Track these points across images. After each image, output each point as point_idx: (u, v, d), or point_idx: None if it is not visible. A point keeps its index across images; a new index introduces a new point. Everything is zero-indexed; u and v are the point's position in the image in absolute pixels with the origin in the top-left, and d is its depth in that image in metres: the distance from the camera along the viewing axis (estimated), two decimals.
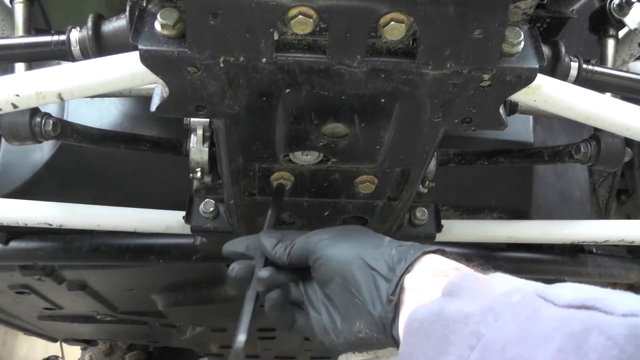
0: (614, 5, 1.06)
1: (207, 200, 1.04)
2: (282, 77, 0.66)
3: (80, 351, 3.15)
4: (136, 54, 0.63)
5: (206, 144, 0.99)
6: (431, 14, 0.58)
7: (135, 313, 1.97)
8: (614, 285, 1.54)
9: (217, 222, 1.05)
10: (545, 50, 0.89)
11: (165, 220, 1.14)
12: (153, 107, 0.73)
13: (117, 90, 0.96)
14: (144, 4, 0.64)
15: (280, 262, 0.80)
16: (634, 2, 1.06)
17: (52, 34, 0.83)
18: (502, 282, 0.62)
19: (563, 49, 0.90)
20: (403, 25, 0.59)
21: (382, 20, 0.59)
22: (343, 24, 0.59)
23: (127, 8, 0.75)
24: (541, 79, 0.78)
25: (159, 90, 0.73)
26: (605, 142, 1.01)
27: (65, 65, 0.78)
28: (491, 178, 1.32)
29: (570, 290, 0.52)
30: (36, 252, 1.29)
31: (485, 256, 1.34)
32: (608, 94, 0.98)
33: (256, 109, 0.72)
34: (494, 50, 0.62)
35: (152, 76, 0.66)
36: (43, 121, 0.90)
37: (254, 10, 0.57)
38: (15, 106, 0.78)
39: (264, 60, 0.62)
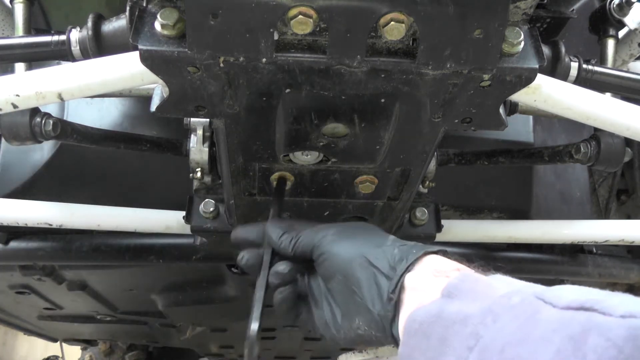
0: (614, 5, 1.06)
1: (207, 200, 1.04)
2: (282, 77, 0.66)
3: (80, 351, 3.15)
4: (136, 54, 0.63)
5: (206, 144, 0.99)
6: (431, 14, 0.58)
7: (135, 313, 1.97)
8: (614, 286, 1.54)
9: (217, 222, 1.05)
10: (545, 50, 0.89)
11: (165, 220, 1.14)
12: (153, 107, 0.73)
13: (117, 90, 0.97)
14: (144, 4, 0.64)
15: (285, 253, 0.80)
16: (634, 2, 1.06)
17: (52, 34, 0.83)
18: (501, 284, 0.62)
19: (563, 49, 0.90)
20: (403, 25, 0.59)
21: (382, 20, 0.59)
22: (343, 24, 0.59)
23: (127, 8, 0.75)
24: (541, 79, 0.78)
25: (159, 90, 0.73)
26: (605, 142, 1.01)
27: (65, 65, 0.78)
28: (491, 178, 1.32)
29: (569, 292, 0.53)
30: (36, 252, 1.29)
31: (485, 256, 1.34)
32: (608, 94, 0.98)
33: (256, 109, 0.72)
34: (494, 50, 0.62)
35: (152, 76, 0.66)
36: (43, 121, 0.90)
37: (254, 10, 0.57)
38: (15, 106, 0.78)
39: (264, 60, 0.62)
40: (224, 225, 1.05)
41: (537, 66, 0.66)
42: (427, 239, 1.09)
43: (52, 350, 3.93)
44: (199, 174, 1.01)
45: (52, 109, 1.10)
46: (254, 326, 0.72)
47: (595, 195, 1.61)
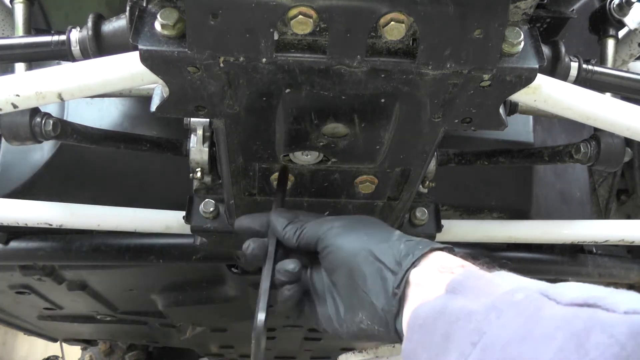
0: (614, 5, 1.06)
1: (207, 200, 1.04)
2: (282, 77, 0.66)
3: (80, 351, 3.16)
4: (136, 54, 0.63)
5: (206, 144, 0.99)
6: (431, 14, 0.58)
7: (135, 313, 1.97)
8: (614, 286, 1.54)
9: (217, 222, 1.05)
10: (545, 50, 0.89)
11: (165, 220, 1.14)
12: (153, 107, 0.73)
13: (117, 90, 0.97)
14: (144, 4, 0.64)
15: (289, 244, 0.80)
16: (633, 2, 1.06)
17: (52, 34, 0.83)
18: (505, 281, 0.62)
19: (563, 49, 0.90)
20: (403, 25, 0.59)
21: (382, 20, 0.59)
22: (343, 24, 0.59)
23: (127, 8, 0.75)
24: (541, 79, 0.78)
25: (159, 90, 0.73)
26: (605, 142, 1.01)
27: (65, 65, 0.78)
28: (491, 178, 1.32)
29: (573, 289, 0.53)
30: (36, 252, 1.29)
31: (485, 256, 1.34)
32: (608, 94, 0.98)
33: (256, 109, 0.72)
34: (494, 50, 0.62)
35: (152, 76, 0.66)
36: (43, 121, 0.90)
37: (254, 10, 0.57)
38: (15, 106, 0.78)
39: (264, 60, 0.62)
40: (224, 225, 1.05)
41: (537, 66, 0.66)
42: (427, 239, 1.09)
43: (52, 350, 3.93)
44: (199, 174, 1.01)
45: (52, 109, 1.10)
46: (261, 316, 0.72)
47: (595, 195, 1.61)
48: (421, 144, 0.80)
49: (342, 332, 0.77)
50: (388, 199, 0.95)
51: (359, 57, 0.62)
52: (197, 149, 0.99)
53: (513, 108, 1.04)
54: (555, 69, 0.90)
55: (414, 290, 0.68)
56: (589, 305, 0.49)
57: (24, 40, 0.86)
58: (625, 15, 1.07)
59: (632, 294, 0.50)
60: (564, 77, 0.90)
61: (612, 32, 1.08)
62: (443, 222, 1.10)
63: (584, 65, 0.91)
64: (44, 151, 1.21)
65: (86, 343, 2.93)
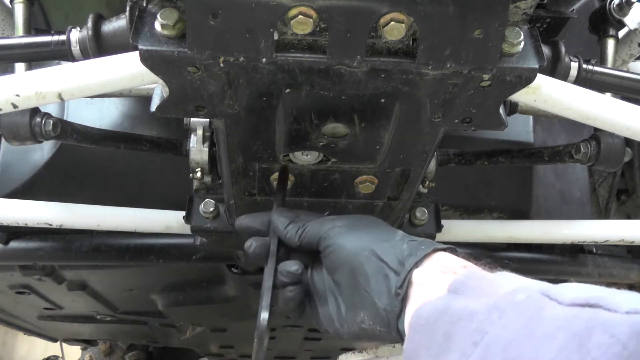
0: (614, 5, 1.06)
1: (207, 200, 1.04)
2: (282, 77, 0.66)
3: (80, 351, 3.16)
4: (136, 54, 0.63)
5: (206, 144, 0.99)
6: (431, 14, 0.58)
7: (135, 313, 1.97)
8: (614, 286, 1.54)
9: (217, 222, 1.05)
10: (545, 50, 0.89)
11: (165, 220, 1.14)
12: (153, 107, 0.73)
13: (117, 90, 0.97)
14: (144, 4, 0.64)
15: (291, 243, 0.80)
16: (634, 2, 1.06)
17: (52, 34, 0.83)
18: (507, 281, 0.62)
19: (563, 49, 0.90)
20: (403, 25, 0.59)
21: (382, 20, 0.59)
22: (343, 24, 0.59)
23: (127, 8, 0.75)
24: (541, 79, 0.78)
25: (159, 90, 0.73)
26: (605, 142, 1.01)
27: (65, 65, 0.78)
28: (491, 178, 1.32)
29: (574, 290, 0.53)
30: (36, 252, 1.29)
31: (485, 256, 1.34)
32: (608, 94, 0.98)
33: (256, 109, 0.72)
34: (494, 50, 0.62)
35: (152, 76, 0.66)
36: (43, 121, 0.90)
37: (254, 10, 0.57)
38: (15, 106, 0.78)
39: (264, 60, 0.62)
40: (224, 225, 1.05)
41: (537, 66, 0.66)
42: (427, 239, 1.09)
43: (52, 350, 3.93)
44: (199, 174, 1.01)
45: (52, 109, 1.10)
46: (265, 315, 0.72)
47: (595, 195, 1.61)
48: (421, 144, 0.80)
49: (343, 332, 0.77)
50: (388, 199, 0.95)
51: (359, 57, 0.62)
52: (197, 149, 0.99)
53: (513, 108, 1.04)
54: (555, 69, 0.90)
55: (416, 290, 0.68)
56: (590, 306, 0.49)
57: (24, 40, 0.86)
58: (625, 15, 1.07)
59: (633, 294, 0.50)
60: (564, 77, 0.90)
61: (612, 32, 1.08)
62: (443, 222, 1.10)
63: (584, 65, 0.91)
64: (44, 151, 1.21)
65: (86, 343, 2.93)
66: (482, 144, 1.20)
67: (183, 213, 1.06)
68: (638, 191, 1.60)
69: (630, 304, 0.47)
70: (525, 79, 0.67)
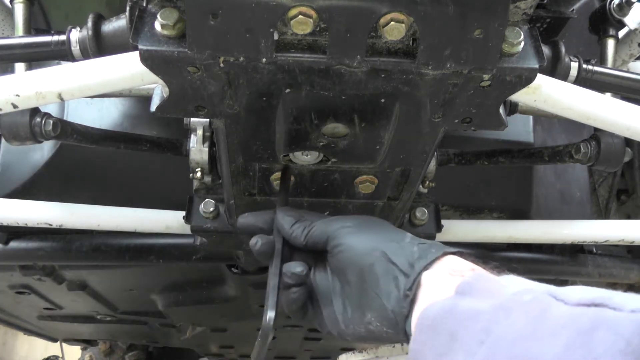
0: (614, 5, 1.06)
1: (207, 200, 1.04)
2: (282, 77, 0.66)
3: (80, 351, 3.16)
4: (136, 54, 0.63)
5: (206, 144, 0.99)
6: (431, 14, 0.58)
7: (135, 313, 1.97)
8: (614, 285, 1.54)
9: (217, 222, 1.05)
10: (545, 50, 0.89)
11: (165, 220, 1.14)
12: (153, 107, 0.73)
13: (117, 90, 0.97)
14: (144, 4, 0.64)
15: (296, 243, 0.79)
16: (634, 2, 1.06)
17: (52, 34, 0.83)
18: (514, 283, 0.62)
19: (563, 49, 0.90)
20: (403, 25, 0.59)
21: (382, 20, 0.59)
22: (343, 24, 0.59)
23: (127, 8, 0.75)
24: (541, 79, 0.78)
25: (159, 90, 0.73)
26: (605, 142, 1.01)
27: (65, 65, 0.78)
28: (491, 178, 1.32)
29: (580, 291, 0.53)
30: (36, 252, 1.29)
31: (485, 256, 1.34)
32: (608, 94, 0.98)
33: (256, 109, 0.72)
34: (494, 50, 0.62)
35: (152, 76, 0.66)
36: (43, 121, 0.90)
37: (254, 10, 0.57)
38: (15, 106, 0.78)
39: (264, 60, 0.62)
40: (224, 225, 1.05)
41: (537, 66, 0.66)
42: (427, 239, 1.09)
43: (52, 350, 3.94)
44: (199, 174, 1.00)
45: (52, 109, 1.11)
46: (271, 314, 0.71)
47: (595, 195, 1.61)
48: (421, 144, 0.80)
49: (348, 333, 0.77)
50: (388, 199, 0.95)
51: (359, 57, 0.62)
52: (197, 149, 0.99)
53: (513, 108, 1.04)
54: (555, 69, 0.90)
55: (424, 291, 0.68)
56: (595, 305, 0.49)
57: (24, 40, 0.86)
58: (625, 15, 1.07)
59: (638, 295, 0.50)
60: (564, 77, 0.90)
61: (612, 32, 1.08)
62: (443, 222, 1.10)
63: (584, 65, 0.91)
64: (44, 151, 1.21)
65: (86, 343, 2.94)
66: (482, 144, 1.20)
67: (183, 213, 1.06)
68: (638, 191, 1.60)
69: (635, 303, 0.47)
70: (525, 79, 0.67)
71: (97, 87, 0.75)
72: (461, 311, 0.58)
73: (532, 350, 0.49)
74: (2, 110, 0.78)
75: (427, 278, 0.69)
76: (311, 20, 0.58)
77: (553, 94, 0.80)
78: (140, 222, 1.14)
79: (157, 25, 0.62)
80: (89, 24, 0.81)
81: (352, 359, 2.19)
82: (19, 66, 0.93)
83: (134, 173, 1.25)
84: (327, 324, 0.79)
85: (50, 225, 1.11)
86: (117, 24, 0.81)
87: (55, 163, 1.21)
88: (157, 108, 0.72)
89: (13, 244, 1.28)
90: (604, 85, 0.94)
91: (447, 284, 0.65)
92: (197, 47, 0.61)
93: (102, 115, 1.21)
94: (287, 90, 0.68)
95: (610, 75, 0.94)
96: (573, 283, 1.52)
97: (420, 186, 1.06)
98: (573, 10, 0.91)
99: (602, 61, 1.08)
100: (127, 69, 0.73)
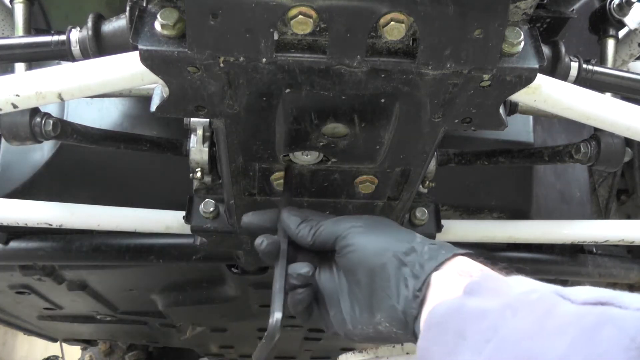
0: (614, 5, 1.06)
1: (207, 200, 1.04)
2: (282, 77, 0.66)
3: (80, 351, 3.16)
4: (136, 54, 0.63)
5: (206, 144, 0.99)
6: (431, 14, 0.58)
7: (135, 313, 1.97)
8: (614, 285, 1.54)
9: (217, 222, 1.05)
10: (545, 50, 0.89)
11: (165, 220, 1.14)
12: (153, 107, 0.73)
13: (117, 90, 0.97)
14: (144, 4, 0.64)
15: (303, 243, 0.79)
16: (634, 2, 1.06)
17: (52, 34, 0.83)
18: (522, 283, 0.63)
19: (563, 49, 0.90)
20: (403, 25, 0.59)
21: (382, 20, 0.59)
22: (343, 24, 0.59)
23: (127, 8, 0.75)
24: (541, 79, 0.78)
25: (159, 90, 0.73)
26: (605, 142, 1.01)
27: (65, 65, 0.78)
28: (491, 178, 1.32)
29: (587, 290, 0.54)
30: (36, 252, 1.29)
31: (485, 256, 1.34)
32: (608, 94, 0.98)
33: (256, 109, 0.72)
34: (494, 50, 0.62)
35: (152, 76, 0.66)
36: (43, 121, 0.90)
37: (254, 10, 0.57)
38: (15, 106, 0.78)
39: (264, 60, 0.62)
40: (224, 225, 1.05)
41: (537, 66, 0.66)
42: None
43: (52, 350, 3.94)
44: (199, 174, 1.01)
45: (52, 109, 1.10)
46: (278, 315, 0.71)
47: (595, 195, 1.61)
48: (421, 144, 0.80)
49: (355, 333, 0.76)
50: (388, 199, 0.95)
51: (359, 57, 0.62)
52: (197, 149, 0.99)
53: (513, 108, 1.04)
54: (555, 69, 0.90)
55: (433, 292, 0.68)
56: (602, 304, 0.50)
57: (24, 40, 0.86)
58: (625, 15, 1.07)
59: None
60: (564, 77, 0.90)
61: (612, 32, 1.08)
62: (443, 222, 1.10)
63: (584, 65, 0.91)
64: (44, 151, 1.21)
65: (86, 343, 2.94)
66: (482, 144, 1.20)
67: (183, 213, 1.06)
68: (638, 191, 1.60)
69: None
70: (525, 79, 0.67)
71: (97, 87, 0.75)
72: (469, 310, 0.59)
73: (538, 347, 0.49)
74: (2, 110, 0.78)
75: (437, 278, 0.69)
76: (311, 20, 0.58)
77: (553, 94, 0.80)
78: (140, 222, 1.14)
79: (157, 25, 0.62)
80: (89, 24, 0.81)
81: (352, 359, 2.19)
82: (19, 66, 0.93)
83: (134, 173, 1.25)
84: (334, 324, 0.79)
85: (50, 225, 1.11)
86: (117, 24, 0.81)
87: (55, 163, 1.21)
88: (157, 108, 0.72)
89: (13, 244, 1.28)
90: (604, 85, 0.94)
91: (456, 284, 0.66)
92: (197, 47, 0.61)
93: (102, 115, 1.21)
94: (287, 90, 0.68)
95: (610, 75, 0.94)
96: (573, 283, 1.52)
97: (420, 186, 1.06)
98: (573, 10, 0.91)
99: (602, 61, 1.08)
100: (127, 69, 0.73)
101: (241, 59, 0.62)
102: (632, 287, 1.61)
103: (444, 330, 0.60)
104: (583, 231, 1.21)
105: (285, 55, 0.63)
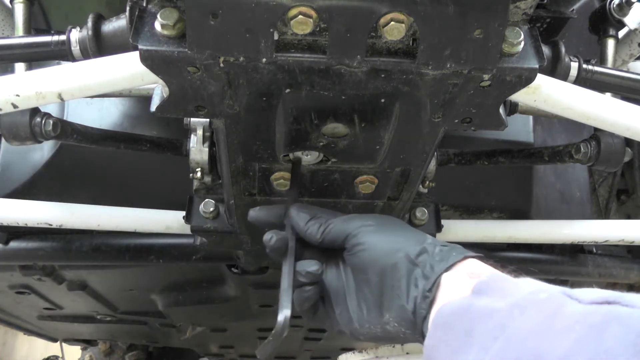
0: (614, 5, 1.06)
1: (207, 200, 1.04)
2: (282, 77, 0.66)
3: (80, 351, 3.16)
4: (136, 54, 0.63)
5: (206, 144, 0.99)
6: (431, 14, 0.58)
7: (135, 313, 1.97)
8: (614, 285, 1.54)
9: (217, 222, 1.05)
10: (545, 50, 0.89)
11: (165, 220, 1.14)
12: (153, 107, 0.73)
13: (117, 90, 0.96)
14: (144, 4, 0.64)
15: (312, 240, 0.79)
16: (634, 2, 1.06)
17: (52, 34, 0.83)
18: (530, 284, 0.63)
19: (563, 49, 0.90)
20: (403, 25, 0.59)
21: (382, 20, 0.59)
22: (343, 24, 0.59)
23: (127, 8, 0.75)
24: (541, 79, 0.78)
25: (159, 90, 0.73)
26: (605, 142, 1.01)
27: (65, 65, 0.78)
28: (491, 178, 1.32)
29: (594, 291, 0.54)
30: (36, 252, 1.29)
31: (485, 256, 1.34)
32: (608, 94, 0.98)
33: (256, 109, 0.72)
34: (494, 50, 0.62)
35: (152, 76, 0.66)
36: (43, 121, 0.90)
37: (254, 10, 0.57)
38: (15, 106, 0.78)
39: (264, 60, 0.62)
40: (224, 225, 1.05)
41: (537, 66, 0.66)
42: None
43: (52, 350, 3.94)
44: (199, 174, 1.01)
45: (52, 109, 1.10)
46: (287, 312, 0.70)
47: (595, 195, 1.61)
48: (421, 144, 0.80)
49: (362, 332, 0.76)
50: (388, 199, 0.95)
51: (359, 57, 0.62)
52: (197, 149, 0.99)
53: (513, 108, 1.04)
54: (555, 69, 0.90)
55: (442, 292, 0.68)
56: (609, 303, 0.50)
57: (24, 40, 0.86)
58: (625, 15, 1.07)
59: None
60: (564, 77, 0.90)
61: (612, 32, 1.08)
62: (443, 222, 1.10)
63: (584, 65, 0.91)
64: (44, 151, 1.21)
65: (86, 343, 2.93)
66: (482, 144, 1.20)
67: (183, 213, 1.06)
68: (638, 191, 1.60)
69: None
70: (525, 79, 0.67)
71: (97, 87, 0.75)
72: (477, 309, 0.59)
73: (545, 344, 0.50)
74: (2, 110, 0.78)
75: (447, 280, 0.69)
76: (311, 20, 0.58)
77: (553, 94, 0.80)
78: (140, 222, 1.14)
79: (157, 25, 0.62)
80: (89, 24, 0.81)
81: (352, 359, 2.19)
82: (19, 66, 0.93)
83: (134, 173, 1.25)
84: (340, 323, 0.79)
85: (50, 225, 1.11)
86: (117, 24, 0.81)
87: (55, 163, 1.21)
88: (157, 108, 0.72)
89: (13, 244, 1.28)
90: (604, 85, 0.94)
91: (465, 284, 0.66)
92: (197, 47, 0.61)
93: (102, 115, 1.21)
94: (287, 90, 0.68)
95: (610, 75, 0.94)
96: (573, 283, 1.53)
97: (420, 186, 1.06)
98: (573, 10, 0.91)
99: (602, 61, 1.08)
100: (127, 69, 0.73)
101: (241, 59, 0.62)
102: (632, 287, 1.61)
103: (452, 329, 0.60)
104: (583, 231, 1.21)
105: (285, 55, 0.63)
